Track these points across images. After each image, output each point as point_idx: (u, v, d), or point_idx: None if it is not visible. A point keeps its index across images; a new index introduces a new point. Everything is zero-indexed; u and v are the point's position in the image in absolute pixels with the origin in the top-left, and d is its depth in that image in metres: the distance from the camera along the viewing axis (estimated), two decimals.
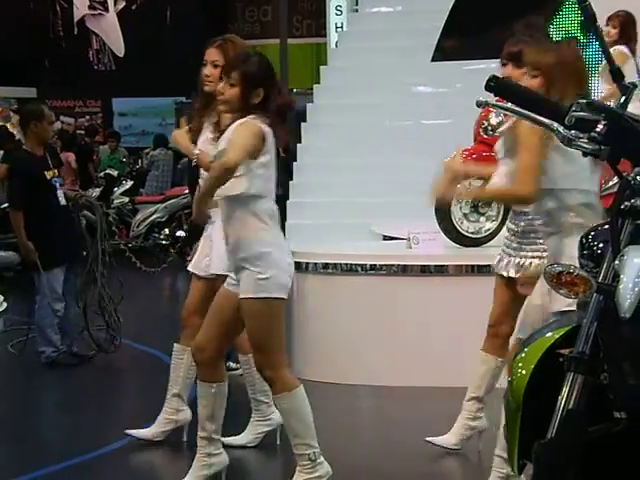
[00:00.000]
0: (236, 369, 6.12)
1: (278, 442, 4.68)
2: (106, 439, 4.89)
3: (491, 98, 2.69)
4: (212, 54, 4.52)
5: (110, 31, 21.17)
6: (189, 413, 4.72)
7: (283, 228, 10.15)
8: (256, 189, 3.70)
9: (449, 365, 5.70)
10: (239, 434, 4.70)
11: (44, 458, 4.64)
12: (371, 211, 8.49)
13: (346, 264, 5.93)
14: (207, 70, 4.52)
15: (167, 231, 12.37)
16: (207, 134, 4.38)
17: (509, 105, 2.62)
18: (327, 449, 3.84)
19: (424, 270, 5.82)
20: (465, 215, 6.12)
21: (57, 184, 6.60)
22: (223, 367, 4.05)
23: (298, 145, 10.53)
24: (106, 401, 5.91)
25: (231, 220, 3.73)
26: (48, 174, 6.57)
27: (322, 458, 3.82)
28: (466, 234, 6.13)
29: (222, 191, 3.67)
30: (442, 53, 9.75)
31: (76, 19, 21.29)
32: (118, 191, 13.09)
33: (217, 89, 3.89)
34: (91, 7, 21.35)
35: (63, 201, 6.53)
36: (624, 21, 7.29)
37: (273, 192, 3.80)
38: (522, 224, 4.13)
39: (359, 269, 5.90)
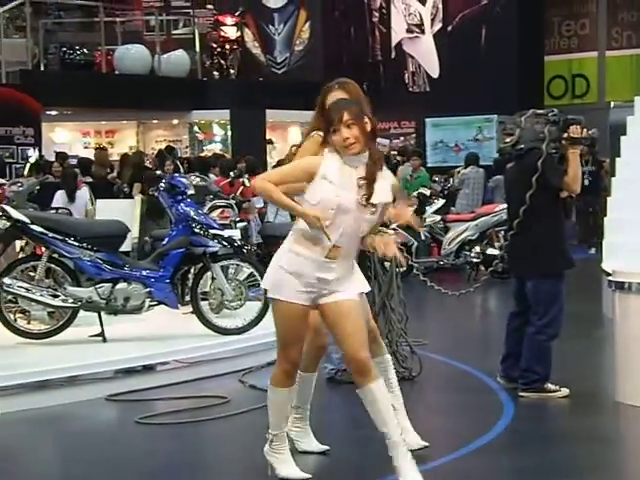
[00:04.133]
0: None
1: None
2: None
3: None
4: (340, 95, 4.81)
5: (426, 53, 21.52)
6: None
7: (601, 245, 9.77)
8: None
9: None
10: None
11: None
12: None
13: None
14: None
15: (478, 249, 12.33)
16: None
17: None
18: None
19: None
20: None
21: None
22: None
23: (617, 159, 10.06)
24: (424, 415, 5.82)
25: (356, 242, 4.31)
26: None
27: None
28: None
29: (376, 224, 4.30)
30: None
31: (394, 43, 21.86)
32: (430, 210, 13.24)
33: (350, 140, 4.27)
34: (409, 30, 21.83)
35: None
36: None
37: None
38: None
39: None
